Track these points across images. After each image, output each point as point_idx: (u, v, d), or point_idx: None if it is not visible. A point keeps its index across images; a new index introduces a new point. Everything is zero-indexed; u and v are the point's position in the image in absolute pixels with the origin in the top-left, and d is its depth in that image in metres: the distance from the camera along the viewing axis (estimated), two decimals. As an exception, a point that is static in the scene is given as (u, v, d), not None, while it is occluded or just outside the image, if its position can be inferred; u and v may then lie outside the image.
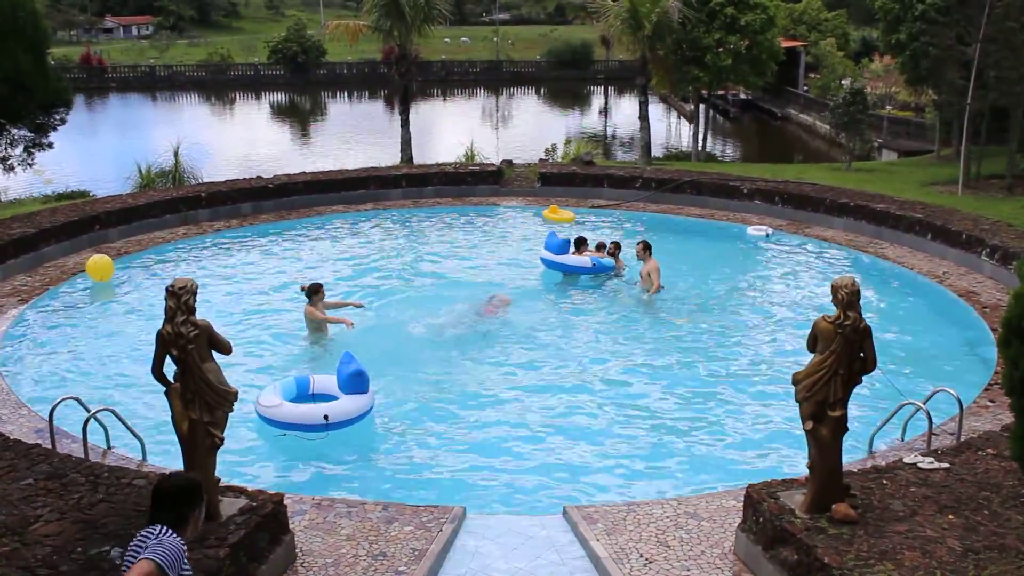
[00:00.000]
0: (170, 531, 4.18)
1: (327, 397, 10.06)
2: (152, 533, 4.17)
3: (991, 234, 15.83)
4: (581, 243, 15.87)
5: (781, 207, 19.89)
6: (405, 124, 28.58)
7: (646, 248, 14.82)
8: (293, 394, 10.13)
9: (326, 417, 9.49)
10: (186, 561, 4.23)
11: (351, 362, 10.02)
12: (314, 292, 12.59)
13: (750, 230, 18.78)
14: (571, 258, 15.58)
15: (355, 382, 9.88)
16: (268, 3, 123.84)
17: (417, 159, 28.63)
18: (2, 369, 11.35)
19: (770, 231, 18.63)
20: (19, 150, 23.71)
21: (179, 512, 4.26)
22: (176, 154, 25.14)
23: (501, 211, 20.85)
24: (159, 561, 4.01)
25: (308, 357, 12.22)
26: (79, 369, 11.70)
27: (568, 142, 32.73)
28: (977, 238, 15.76)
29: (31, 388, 10.98)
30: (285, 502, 6.92)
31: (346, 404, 9.78)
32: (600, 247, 16.08)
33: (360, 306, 13.41)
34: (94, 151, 41.65)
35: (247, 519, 6.32)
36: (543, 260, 15.88)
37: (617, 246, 16.09)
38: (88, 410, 8.80)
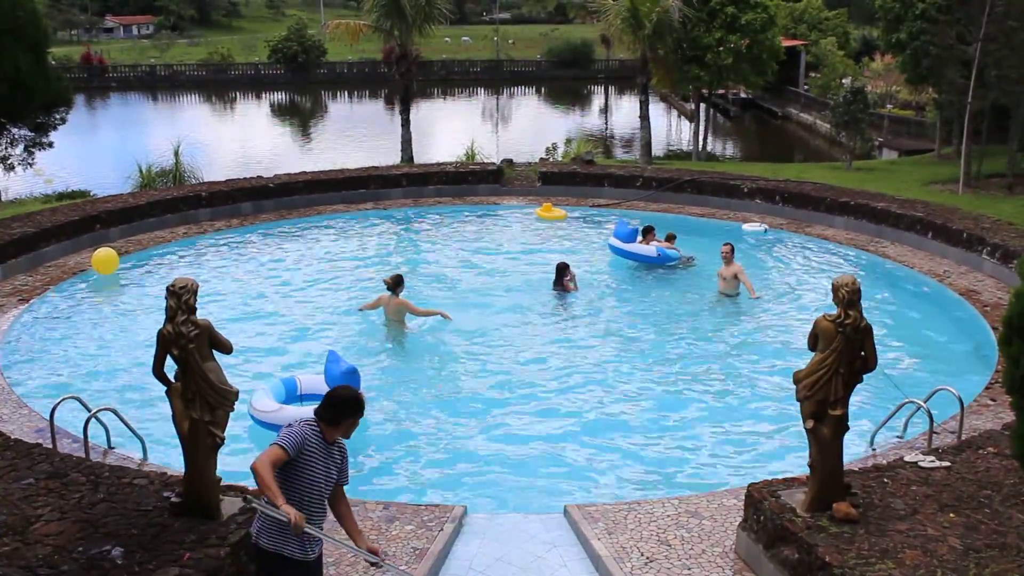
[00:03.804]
0: (312, 423, 5.09)
1: (317, 397, 9.92)
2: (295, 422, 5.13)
3: (992, 233, 15.83)
4: (648, 231, 16.12)
5: (782, 206, 19.87)
6: (405, 123, 28.58)
7: (733, 251, 14.68)
8: (282, 396, 9.90)
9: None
10: (310, 447, 5.04)
11: (339, 361, 9.82)
12: (397, 284, 12.69)
13: (745, 227, 18.76)
14: (638, 247, 15.89)
15: (346, 381, 9.72)
16: (268, 3, 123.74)
17: (418, 158, 28.63)
18: (3, 368, 11.34)
19: (766, 227, 18.62)
20: (19, 149, 23.71)
21: (335, 414, 5.10)
22: (176, 153, 25.14)
23: (502, 210, 20.84)
24: (280, 443, 4.92)
25: (302, 358, 12.19)
26: (80, 369, 11.70)
27: (568, 141, 32.73)
28: (978, 237, 15.76)
29: (32, 387, 10.96)
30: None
31: None
32: (670, 238, 16.31)
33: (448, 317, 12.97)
34: (94, 151, 41.58)
35: (248, 518, 6.31)
36: (611, 247, 16.20)
37: (690, 260, 16.28)
38: (89, 409, 8.80)
